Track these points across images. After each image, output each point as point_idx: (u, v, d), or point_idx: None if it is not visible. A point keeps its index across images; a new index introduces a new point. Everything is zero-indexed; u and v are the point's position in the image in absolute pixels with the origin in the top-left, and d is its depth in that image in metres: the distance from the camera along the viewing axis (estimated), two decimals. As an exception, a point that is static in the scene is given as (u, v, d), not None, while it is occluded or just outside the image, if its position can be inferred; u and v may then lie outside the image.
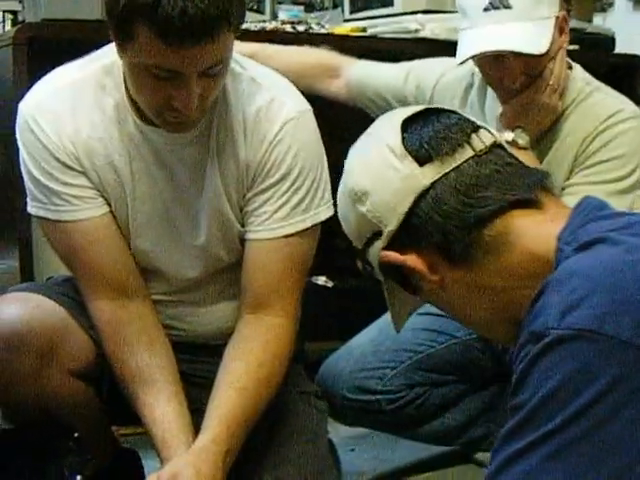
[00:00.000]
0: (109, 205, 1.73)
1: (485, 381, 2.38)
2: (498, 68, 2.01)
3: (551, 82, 2.01)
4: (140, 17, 1.43)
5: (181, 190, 1.73)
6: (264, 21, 3.05)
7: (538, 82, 2.02)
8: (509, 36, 1.95)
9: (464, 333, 2.26)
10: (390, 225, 1.20)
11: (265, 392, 1.70)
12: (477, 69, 2.11)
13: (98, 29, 2.26)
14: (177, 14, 1.41)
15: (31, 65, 2.32)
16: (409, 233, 1.19)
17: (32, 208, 1.75)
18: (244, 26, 1.67)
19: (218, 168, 1.71)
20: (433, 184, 1.17)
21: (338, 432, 2.49)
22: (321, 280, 3.02)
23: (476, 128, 1.22)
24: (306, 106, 1.76)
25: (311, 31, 2.89)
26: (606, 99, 2.10)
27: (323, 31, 2.94)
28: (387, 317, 2.37)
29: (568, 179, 2.05)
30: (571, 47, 3.00)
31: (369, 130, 1.30)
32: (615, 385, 0.93)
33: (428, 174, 1.18)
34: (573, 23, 3.15)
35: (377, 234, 1.22)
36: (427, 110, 1.26)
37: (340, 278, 3.00)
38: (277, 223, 1.73)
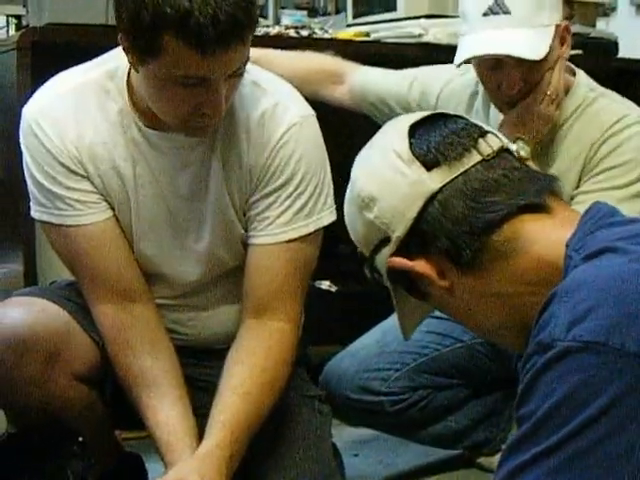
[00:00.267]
0: (112, 209, 1.74)
1: (489, 386, 2.38)
2: (496, 75, 2.01)
3: (549, 92, 2.01)
4: (169, 28, 1.43)
5: (185, 194, 1.74)
6: (267, 26, 3.05)
7: (536, 92, 2.02)
8: (507, 41, 1.95)
9: (469, 337, 2.26)
10: (398, 231, 1.19)
11: (268, 397, 1.70)
12: None
13: (102, 33, 2.28)
14: (209, 22, 1.41)
15: (35, 69, 2.32)
16: (417, 239, 1.19)
17: (35, 212, 1.75)
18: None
19: (222, 172, 1.72)
20: (441, 189, 1.17)
21: (342, 436, 2.49)
22: (325, 285, 3.02)
23: (483, 133, 1.22)
24: (310, 111, 1.76)
25: (314, 36, 2.88)
26: (611, 105, 2.09)
27: (326, 36, 2.93)
28: (393, 319, 2.39)
29: (577, 187, 2.04)
30: (574, 52, 3.00)
31: (375, 138, 1.29)
32: (622, 398, 0.92)
33: (436, 179, 1.17)
34: (576, 28, 3.16)
35: (385, 240, 1.21)
36: (433, 115, 1.25)
37: (344, 283, 3.01)
38: (280, 228, 1.73)
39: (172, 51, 1.45)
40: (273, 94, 1.73)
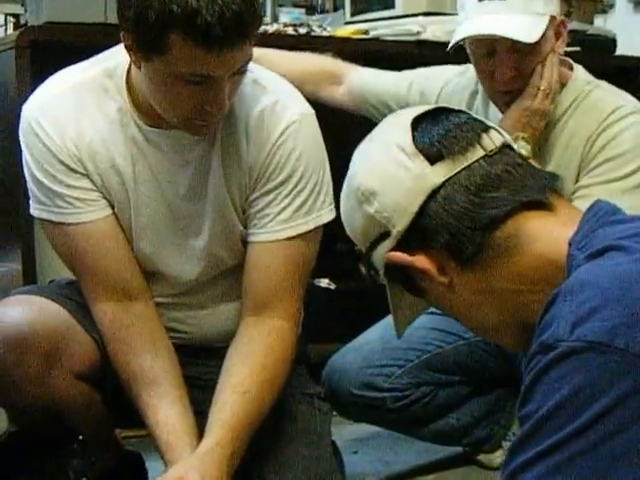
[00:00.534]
0: (112, 208, 1.74)
1: (491, 383, 2.38)
2: (490, 61, 2.01)
3: (542, 87, 2.01)
4: (175, 27, 1.43)
5: (184, 192, 1.74)
6: (265, 24, 3.05)
7: (529, 88, 2.02)
8: (501, 24, 1.96)
9: (472, 334, 2.26)
10: (399, 225, 1.18)
11: (268, 395, 1.70)
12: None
13: (101, 32, 2.28)
14: (216, 20, 1.41)
15: (34, 68, 2.32)
16: (418, 234, 1.17)
17: (35, 210, 1.75)
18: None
19: (222, 170, 1.72)
20: (444, 183, 1.16)
21: (342, 434, 2.49)
22: (324, 282, 3.02)
23: (486, 128, 1.21)
24: (309, 109, 1.76)
25: (313, 34, 2.88)
26: (607, 96, 2.09)
27: (325, 34, 2.94)
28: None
29: (577, 181, 2.05)
30: (572, 49, 3.01)
31: (375, 132, 1.28)
32: (625, 399, 0.92)
33: (439, 173, 1.16)
34: (574, 25, 3.17)
35: (384, 235, 1.20)
36: (435, 109, 1.24)
37: (343, 280, 3.01)
38: (279, 225, 1.73)
39: (178, 49, 1.45)
40: (273, 92, 1.74)
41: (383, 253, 1.21)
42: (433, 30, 2.85)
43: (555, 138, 2.09)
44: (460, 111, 1.25)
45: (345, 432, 2.59)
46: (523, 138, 1.98)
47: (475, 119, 1.23)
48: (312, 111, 1.76)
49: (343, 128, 2.35)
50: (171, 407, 1.69)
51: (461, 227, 1.15)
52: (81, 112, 1.70)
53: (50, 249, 1.82)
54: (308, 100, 1.80)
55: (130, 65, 1.66)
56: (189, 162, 1.72)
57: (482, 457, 2.42)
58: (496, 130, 1.22)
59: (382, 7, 3.18)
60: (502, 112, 2.09)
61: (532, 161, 1.24)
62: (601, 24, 3.87)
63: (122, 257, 1.75)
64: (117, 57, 1.69)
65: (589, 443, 0.92)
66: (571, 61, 2.18)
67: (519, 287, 1.15)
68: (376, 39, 2.97)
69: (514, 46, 1.97)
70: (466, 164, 1.17)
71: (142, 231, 1.75)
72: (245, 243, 1.78)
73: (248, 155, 1.71)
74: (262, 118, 1.71)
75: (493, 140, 1.19)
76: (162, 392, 1.70)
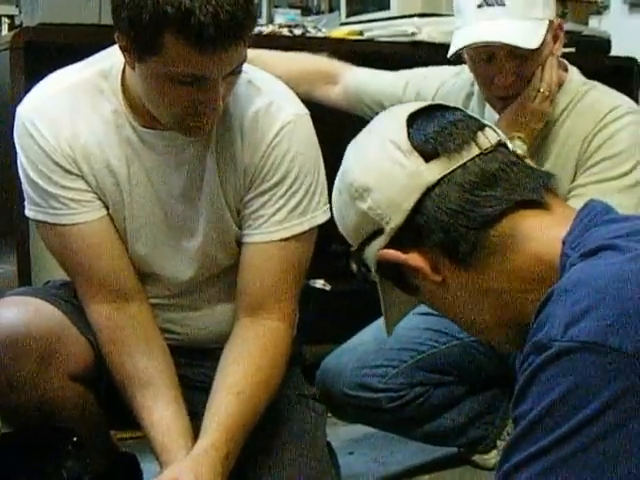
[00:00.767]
0: (107, 209, 1.74)
1: (486, 383, 2.39)
2: (490, 67, 2.02)
3: (541, 89, 2.02)
4: (169, 27, 1.43)
5: (179, 193, 1.74)
6: (260, 25, 3.05)
7: (528, 89, 2.02)
8: (501, 31, 1.96)
9: (466, 334, 2.26)
10: (393, 222, 1.17)
11: (263, 396, 1.70)
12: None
13: (95, 33, 2.28)
14: (210, 21, 1.41)
15: (28, 69, 2.32)
16: (412, 231, 1.17)
17: (30, 211, 1.75)
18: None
19: (216, 171, 1.72)
20: (439, 181, 1.15)
21: (337, 435, 2.49)
22: (319, 283, 3.02)
23: (482, 126, 1.21)
24: (304, 110, 1.76)
25: (308, 35, 2.89)
26: (602, 97, 2.11)
27: (320, 35, 2.94)
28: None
29: (573, 181, 2.05)
30: (567, 50, 3.01)
31: (369, 127, 1.27)
32: (619, 399, 0.91)
33: (434, 170, 1.16)
34: (569, 26, 3.16)
35: (377, 232, 1.19)
36: (431, 106, 1.24)
37: (338, 281, 3.01)
38: (274, 226, 1.73)
39: (172, 49, 1.45)
40: (267, 93, 1.74)
41: (376, 250, 1.20)
42: (428, 31, 2.85)
43: (552, 139, 2.10)
44: (455, 108, 1.24)
45: (341, 433, 2.60)
46: (519, 138, 1.98)
47: (470, 117, 1.23)
48: (307, 112, 1.77)
49: (338, 128, 2.35)
50: (166, 408, 1.69)
51: (456, 225, 1.14)
52: (76, 113, 1.70)
53: (45, 250, 1.82)
54: (303, 100, 1.80)
55: (125, 66, 1.66)
56: (184, 163, 1.72)
57: (477, 457, 2.42)
58: (491, 128, 1.22)
59: (377, 8, 3.18)
60: (499, 114, 2.10)
61: (528, 160, 1.24)
62: (596, 25, 3.88)
63: (117, 258, 1.75)
64: (112, 58, 1.69)
65: (583, 443, 0.92)
66: (566, 62, 2.18)
67: (513, 286, 1.14)
68: (371, 40, 2.97)
69: (514, 52, 1.98)
70: (461, 162, 1.16)
71: (137, 232, 1.75)
72: (240, 244, 1.78)
73: (243, 156, 1.71)
74: (257, 119, 1.71)
75: (489, 138, 1.19)
76: (157, 393, 1.70)
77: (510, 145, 1.23)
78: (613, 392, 0.92)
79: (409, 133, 1.19)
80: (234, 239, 1.78)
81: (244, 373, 1.68)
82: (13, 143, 1.73)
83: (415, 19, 2.94)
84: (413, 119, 1.20)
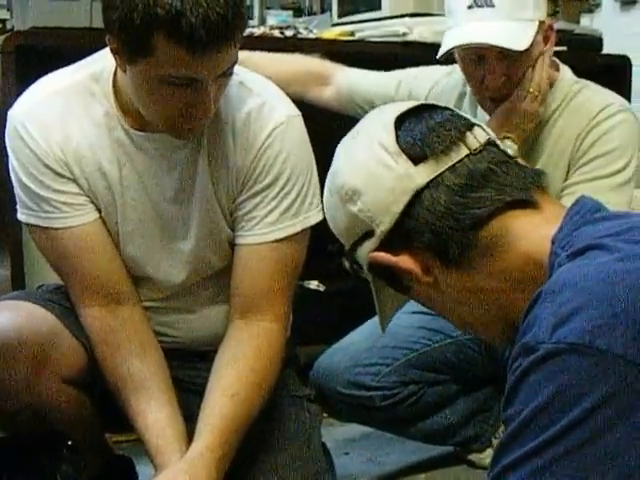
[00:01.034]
0: (99, 212, 1.74)
1: (479, 382, 2.39)
2: (480, 68, 2.02)
3: (531, 89, 2.02)
4: (160, 29, 1.43)
5: (171, 196, 1.73)
6: (252, 26, 3.05)
7: (519, 89, 2.03)
8: (491, 32, 1.96)
9: (460, 333, 2.26)
10: (383, 225, 1.18)
11: (257, 397, 1.70)
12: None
13: (87, 36, 2.28)
14: (200, 22, 1.41)
15: (20, 73, 2.31)
16: (402, 234, 1.17)
17: (22, 215, 1.74)
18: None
19: (209, 172, 1.72)
20: (428, 184, 1.15)
21: (332, 435, 2.50)
22: (313, 284, 3.02)
23: (470, 126, 1.20)
24: (296, 111, 1.76)
25: (299, 36, 2.89)
26: (594, 95, 2.11)
27: (311, 36, 2.94)
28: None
29: (566, 179, 2.05)
30: (559, 48, 3.01)
31: (358, 128, 1.27)
32: (607, 400, 0.91)
33: (423, 173, 1.16)
34: (561, 24, 3.17)
35: (368, 234, 1.20)
36: (419, 106, 1.23)
37: (332, 282, 3.00)
38: (267, 228, 1.73)
39: (163, 51, 1.45)
40: (259, 94, 1.74)
41: (367, 251, 1.21)
42: (420, 31, 2.85)
43: (544, 138, 2.10)
44: (444, 108, 1.24)
45: (336, 433, 2.60)
46: (510, 138, 1.98)
47: (459, 116, 1.23)
48: (298, 113, 1.77)
49: (329, 128, 2.35)
50: (160, 410, 1.69)
51: (445, 228, 1.14)
52: (67, 116, 1.70)
53: (39, 254, 1.81)
54: (294, 101, 1.80)
55: (116, 69, 1.66)
56: (176, 165, 1.71)
57: (473, 456, 2.42)
58: (481, 127, 1.22)
59: (369, 9, 3.18)
60: (490, 115, 2.10)
61: (520, 160, 1.24)
62: (588, 23, 3.89)
63: (109, 261, 1.75)
64: (103, 61, 1.69)
65: (573, 444, 0.92)
66: (558, 61, 2.18)
67: (504, 285, 1.15)
68: (362, 41, 2.97)
69: (503, 53, 1.98)
70: (450, 164, 1.16)
71: (129, 235, 1.75)
72: (232, 246, 1.77)
73: (235, 157, 1.71)
74: (249, 120, 1.71)
75: (477, 138, 1.19)
76: (151, 396, 1.70)
77: (501, 145, 1.23)
78: (602, 393, 0.91)
79: (397, 136, 1.19)
80: (227, 241, 1.78)
81: (238, 375, 1.68)
82: (5, 147, 1.73)
83: (406, 19, 2.94)
84: (401, 121, 1.20)
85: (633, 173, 2.05)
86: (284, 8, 3.75)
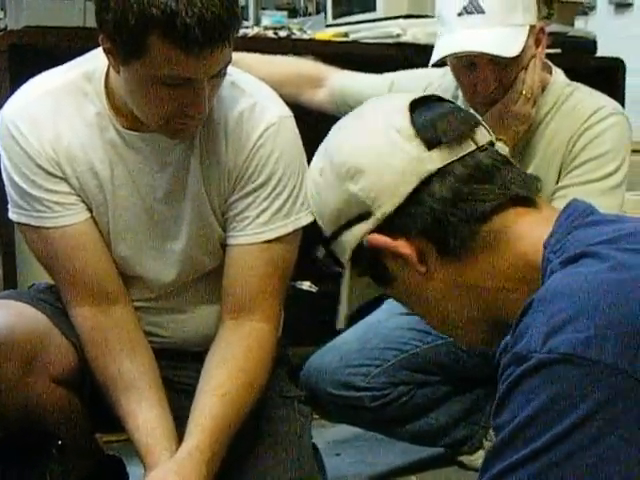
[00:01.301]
0: (90, 211, 1.73)
1: (470, 383, 2.39)
2: (471, 75, 2.02)
3: (524, 92, 2.02)
4: (155, 29, 1.42)
5: (163, 196, 1.73)
6: (247, 27, 3.05)
7: (511, 92, 2.03)
8: (481, 39, 1.96)
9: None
10: (384, 207, 1.16)
11: (248, 397, 1.70)
12: None
13: (80, 36, 2.28)
14: (195, 22, 1.41)
15: (13, 72, 2.31)
16: (403, 218, 1.16)
17: (13, 214, 1.74)
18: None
19: (200, 172, 1.71)
20: (439, 170, 1.15)
21: (324, 436, 2.50)
22: (305, 285, 3.02)
23: (477, 122, 1.21)
24: (287, 112, 1.76)
25: (293, 37, 2.89)
26: (587, 98, 2.11)
27: (305, 37, 2.94)
28: (374, 316, 2.39)
29: (558, 182, 2.06)
30: (553, 50, 3.02)
31: (360, 111, 1.26)
32: (599, 410, 0.91)
33: (435, 159, 1.15)
34: (555, 27, 3.18)
35: (363, 216, 1.18)
36: (428, 97, 1.23)
37: (325, 283, 3.00)
38: (259, 228, 1.73)
39: (157, 51, 1.45)
40: (251, 95, 1.74)
41: (359, 234, 1.19)
42: (414, 33, 2.85)
43: (536, 141, 2.10)
44: (451, 101, 1.25)
45: (327, 434, 2.60)
46: (501, 140, 1.98)
47: (467, 111, 1.23)
48: (290, 113, 1.77)
49: (322, 129, 2.35)
50: (150, 410, 1.69)
51: (449, 217, 1.14)
52: (59, 115, 1.69)
53: (31, 254, 1.81)
54: (287, 103, 1.80)
55: (109, 68, 1.65)
56: (168, 165, 1.71)
57: (463, 458, 2.42)
58: (484, 126, 1.23)
59: (363, 10, 3.19)
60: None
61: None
62: (582, 26, 3.90)
63: (100, 261, 1.74)
64: (96, 60, 1.68)
65: (563, 454, 0.92)
66: (551, 64, 2.19)
67: (497, 284, 1.15)
68: (355, 42, 2.98)
69: (494, 60, 1.98)
70: (461, 154, 1.16)
71: (120, 234, 1.75)
72: (224, 246, 1.77)
73: (227, 158, 1.71)
74: (241, 121, 1.71)
75: (484, 135, 1.20)
76: (141, 396, 1.70)
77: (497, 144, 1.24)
78: (593, 403, 0.91)
79: (412, 119, 1.18)
80: (218, 241, 1.78)
81: (228, 375, 1.68)
82: (-4, 146, 1.73)
83: (400, 20, 2.95)
84: (414, 106, 1.20)
85: (625, 176, 2.05)
86: (279, 9, 3.76)
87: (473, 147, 1.18)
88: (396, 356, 2.30)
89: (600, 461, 0.91)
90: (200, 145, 1.71)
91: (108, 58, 1.56)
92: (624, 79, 3.31)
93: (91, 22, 1.91)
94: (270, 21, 3.24)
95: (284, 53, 2.49)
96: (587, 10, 4.18)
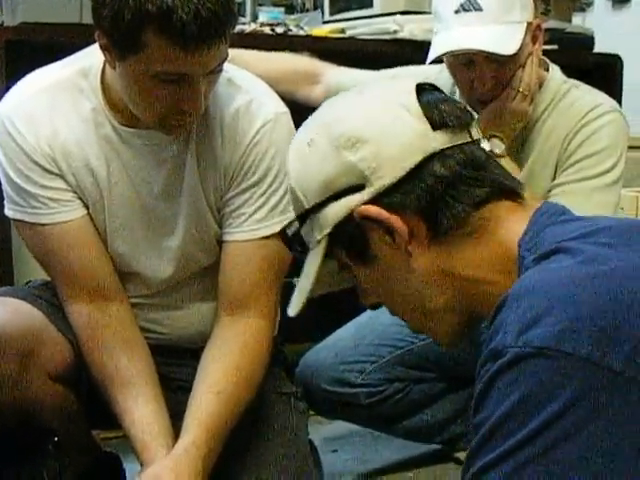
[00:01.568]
0: (86, 208, 1.73)
1: (465, 380, 2.39)
2: (469, 72, 2.02)
3: (521, 89, 2.02)
4: (151, 25, 1.43)
5: (159, 192, 1.73)
6: (244, 23, 3.05)
7: (508, 89, 2.02)
8: (479, 37, 1.95)
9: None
10: (384, 179, 1.15)
11: (244, 394, 1.70)
12: None
13: (76, 32, 2.27)
14: (192, 18, 1.41)
15: (8, 68, 2.31)
16: (400, 193, 1.15)
17: (9, 211, 1.74)
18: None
19: (197, 169, 1.71)
20: (442, 151, 1.15)
21: (320, 433, 2.50)
22: (301, 281, 3.01)
23: (473, 117, 1.22)
24: (283, 108, 1.76)
25: (290, 33, 2.89)
26: (583, 95, 2.11)
27: (302, 33, 2.94)
28: (369, 312, 2.39)
29: (554, 179, 2.06)
30: (550, 47, 3.02)
31: (360, 89, 1.26)
32: (575, 402, 0.92)
33: (440, 139, 1.16)
34: (552, 23, 3.18)
35: (356, 188, 1.16)
36: (431, 85, 1.24)
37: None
38: (255, 225, 1.73)
39: (154, 47, 1.45)
40: (248, 91, 1.74)
41: (349, 206, 1.17)
42: (410, 29, 2.85)
43: (533, 137, 2.10)
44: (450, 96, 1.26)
45: (324, 431, 2.60)
46: (497, 137, 1.98)
47: (465, 105, 1.24)
48: (286, 110, 1.77)
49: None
50: (146, 406, 1.69)
51: (446, 198, 1.14)
52: (55, 112, 1.69)
53: (27, 250, 1.81)
54: (283, 99, 1.80)
55: (105, 64, 1.66)
56: (164, 161, 1.71)
57: (459, 454, 2.42)
58: (477, 124, 1.24)
59: (360, 6, 3.19)
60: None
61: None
62: (579, 22, 3.89)
63: (97, 257, 1.74)
64: (92, 57, 1.68)
65: (542, 448, 0.92)
66: (548, 61, 2.18)
67: (478, 275, 1.15)
68: (352, 38, 2.97)
69: (492, 57, 1.97)
70: (462, 141, 1.17)
71: (116, 230, 1.75)
72: (220, 243, 1.78)
73: (223, 154, 1.71)
74: (237, 117, 1.71)
75: (476, 131, 1.21)
76: (137, 392, 1.70)
77: (487, 144, 1.23)
78: (569, 396, 0.92)
79: (419, 99, 1.18)
80: (214, 238, 1.78)
81: (224, 372, 1.68)
82: (-8, 143, 1.72)
83: (397, 17, 2.95)
84: (419, 90, 1.20)
85: (621, 173, 2.05)
86: (276, 5, 3.74)
87: (469, 139, 1.19)
88: (391, 352, 2.30)
89: (579, 453, 0.91)
90: (196, 142, 1.71)
91: (104, 54, 1.56)
92: (622, 75, 3.31)
93: (87, 18, 1.91)
94: (267, 17, 3.23)
95: (281, 49, 2.49)
96: (585, 6, 4.18)
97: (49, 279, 1.82)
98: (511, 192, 1.18)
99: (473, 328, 1.24)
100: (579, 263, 1.01)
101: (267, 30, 2.87)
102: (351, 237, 1.18)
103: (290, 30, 2.90)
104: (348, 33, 3.01)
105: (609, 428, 0.91)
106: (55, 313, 1.77)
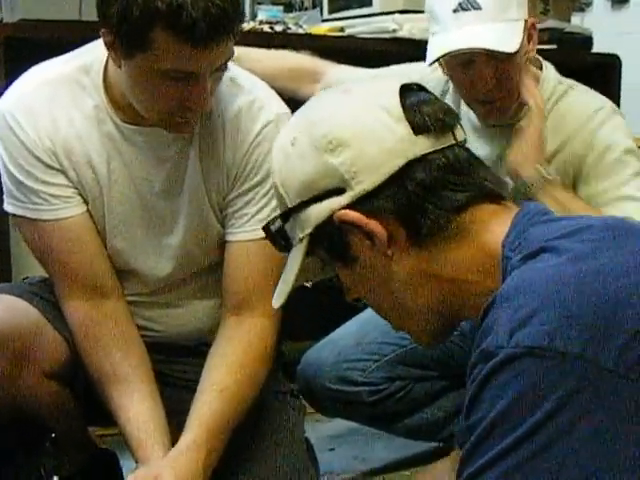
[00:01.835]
0: (87, 204, 1.73)
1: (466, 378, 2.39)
2: (469, 72, 2.00)
3: (534, 108, 2.00)
4: (160, 22, 1.42)
5: (160, 190, 1.73)
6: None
7: (524, 119, 2.00)
8: (479, 36, 1.94)
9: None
10: (364, 184, 1.14)
11: (247, 393, 1.71)
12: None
13: (76, 29, 2.27)
14: (201, 16, 1.41)
15: (8, 65, 2.31)
16: (380, 198, 1.14)
17: (9, 206, 1.73)
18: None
19: (199, 167, 1.71)
20: (423, 156, 1.15)
21: (318, 431, 2.50)
22: (301, 280, 3.01)
23: (458, 119, 1.22)
24: (285, 109, 1.76)
25: (289, 31, 2.89)
26: (584, 98, 2.10)
27: (301, 31, 2.94)
28: (371, 310, 2.39)
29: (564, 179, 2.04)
30: (549, 46, 3.02)
31: (346, 87, 1.25)
32: (568, 400, 0.92)
33: (421, 144, 1.15)
34: (551, 23, 3.18)
35: (336, 191, 1.16)
36: (417, 85, 1.24)
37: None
38: (258, 225, 1.72)
39: (162, 45, 1.45)
40: (250, 91, 1.74)
41: (329, 209, 1.16)
42: (409, 28, 2.85)
43: None
44: (435, 96, 1.25)
45: (321, 429, 2.60)
46: (541, 165, 1.96)
47: (450, 106, 1.24)
48: (288, 110, 1.76)
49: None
50: (141, 404, 1.69)
51: (426, 203, 1.14)
52: (57, 107, 1.69)
53: (25, 246, 1.80)
54: (284, 98, 1.80)
55: (107, 61, 1.65)
56: (166, 159, 1.71)
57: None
58: (461, 126, 1.23)
59: (359, 5, 3.19)
60: (480, 120, 2.09)
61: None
62: (578, 22, 3.89)
63: (95, 254, 1.74)
64: (94, 53, 1.68)
65: (537, 447, 0.93)
66: (541, 59, 2.17)
67: (460, 276, 1.15)
68: (351, 36, 2.97)
69: (492, 55, 1.96)
70: (445, 144, 1.17)
71: (115, 228, 1.75)
72: (221, 242, 1.77)
73: (226, 154, 1.71)
74: (239, 117, 1.71)
75: (460, 132, 1.21)
76: (132, 389, 1.70)
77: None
78: (562, 393, 0.92)
79: (402, 102, 1.18)
80: (215, 237, 1.77)
81: (227, 371, 1.68)
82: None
83: (396, 15, 2.95)
84: (404, 90, 1.20)
85: None
86: (275, 3, 3.73)
87: (453, 142, 1.18)
88: (394, 351, 2.29)
89: (574, 450, 0.92)
90: (199, 141, 1.71)
91: (109, 52, 1.55)
92: (620, 75, 3.31)
93: (87, 15, 1.92)
94: (266, 15, 3.23)
95: (280, 48, 2.48)
96: (584, 6, 4.17)
97: (47, 276, 1.81)
98: (494, 195, 1.18)
99: (455, 328, 1.25)
100: (566, 261, 1.01)
101: (266, 28, 2.87)
102: (332, 239, 1.18)
103: (289, 28, 2.90)
104: (347, 32, 3.01)
105: (603, 425, 0.92)
106: (51, 311, 1.77)
